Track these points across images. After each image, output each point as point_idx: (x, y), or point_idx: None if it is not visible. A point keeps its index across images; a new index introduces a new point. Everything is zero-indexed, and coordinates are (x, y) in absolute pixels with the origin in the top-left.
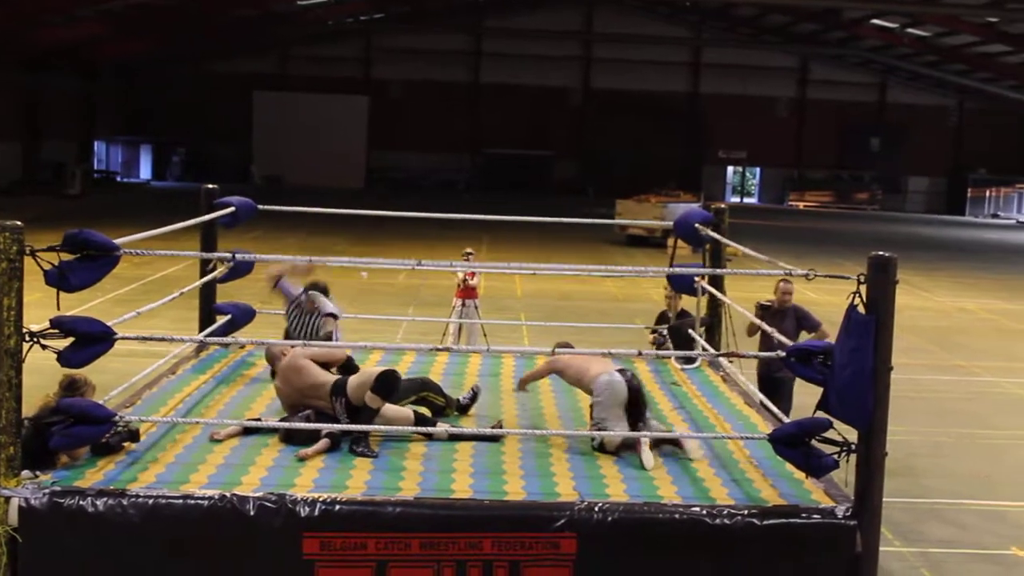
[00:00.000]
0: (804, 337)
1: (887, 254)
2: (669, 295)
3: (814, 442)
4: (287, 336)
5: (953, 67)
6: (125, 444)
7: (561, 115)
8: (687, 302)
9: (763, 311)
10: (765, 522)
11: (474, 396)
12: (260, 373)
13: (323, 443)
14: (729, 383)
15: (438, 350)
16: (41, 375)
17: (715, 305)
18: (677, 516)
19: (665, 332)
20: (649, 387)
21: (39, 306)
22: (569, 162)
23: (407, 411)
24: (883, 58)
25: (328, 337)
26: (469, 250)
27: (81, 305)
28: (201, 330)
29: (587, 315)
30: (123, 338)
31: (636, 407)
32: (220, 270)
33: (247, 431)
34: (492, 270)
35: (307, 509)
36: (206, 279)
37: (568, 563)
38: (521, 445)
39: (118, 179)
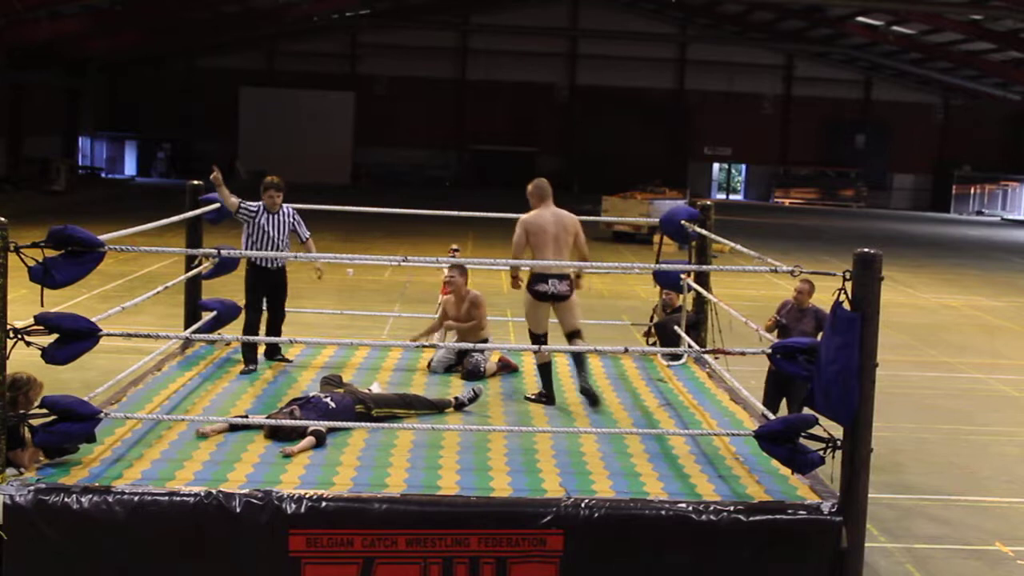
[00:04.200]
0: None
1: (872, 251)
2: (665, 297)
3: (800, 438)
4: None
5: (938, 65)
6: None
7: (547, 111)
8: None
9: (781, 306)
10: (751, 518)
11: (475, 396)
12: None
13: (308, 440)
14: (715, 379)
15: (424, 347)
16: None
17: (701, 302)
18: (663, 512)
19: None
20: (635, 383)
21: (24, 302)
22: (555, 159)
23: None
24: (868, 55)
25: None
26: (455, 246)
27: (66, 302)
28: (187, 327)
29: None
30: (108, 335)
31: None
32: (205, 266)
33: (233, 428)
34: (478, 265)
35: (293, 506)
36: (190, 274)
37: (555, 559)
38: (507, 441)
39: (103, 175)
